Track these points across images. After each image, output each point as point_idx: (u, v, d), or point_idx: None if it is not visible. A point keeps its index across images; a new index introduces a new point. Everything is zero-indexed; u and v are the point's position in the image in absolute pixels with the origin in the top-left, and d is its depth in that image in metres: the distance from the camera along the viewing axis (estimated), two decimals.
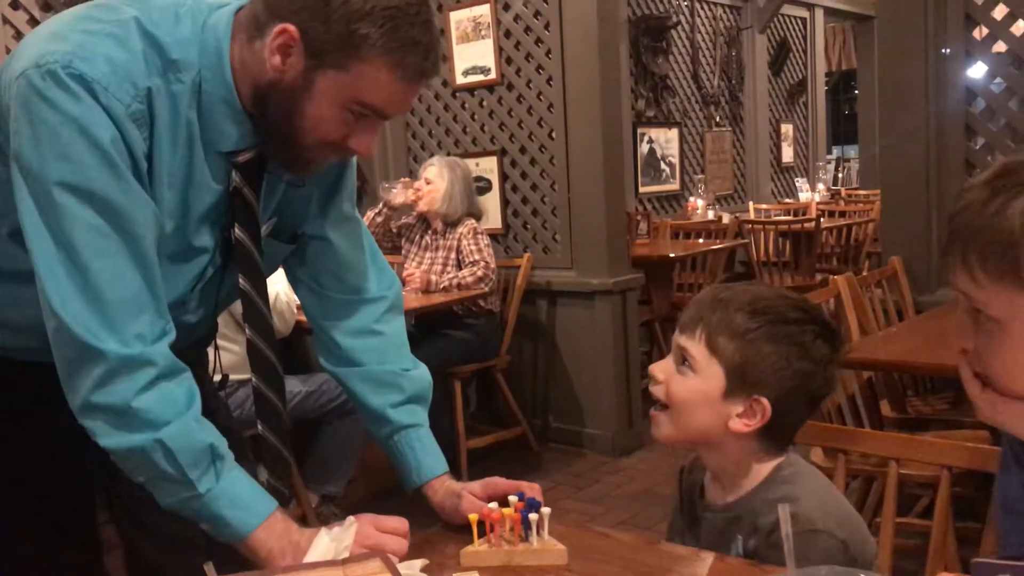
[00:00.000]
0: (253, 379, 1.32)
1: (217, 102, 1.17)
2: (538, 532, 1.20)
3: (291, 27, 1.09)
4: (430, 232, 4.01)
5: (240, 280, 1.28)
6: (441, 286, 3.82)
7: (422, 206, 3.93)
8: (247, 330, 1.31)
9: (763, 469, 1.24)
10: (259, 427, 1.33)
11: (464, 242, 3.89)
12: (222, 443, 1.16)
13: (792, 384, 1.20)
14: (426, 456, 1.38)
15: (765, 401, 1.20)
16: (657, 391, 1.26)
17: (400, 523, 1.22)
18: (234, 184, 1.23)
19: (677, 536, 1.35)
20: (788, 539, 0.78)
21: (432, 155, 4.56)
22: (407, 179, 4.11)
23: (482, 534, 1.20)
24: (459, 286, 3.81)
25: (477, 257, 3.84)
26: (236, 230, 1.25)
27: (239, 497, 1.16)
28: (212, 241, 1.27)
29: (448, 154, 4.56)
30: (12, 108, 1.09)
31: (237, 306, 1.34)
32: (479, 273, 3.81)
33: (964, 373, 0.94)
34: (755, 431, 1.21)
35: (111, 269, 1.09)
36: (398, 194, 3.98)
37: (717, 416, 1.22)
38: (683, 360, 1.24)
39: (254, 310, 1.30)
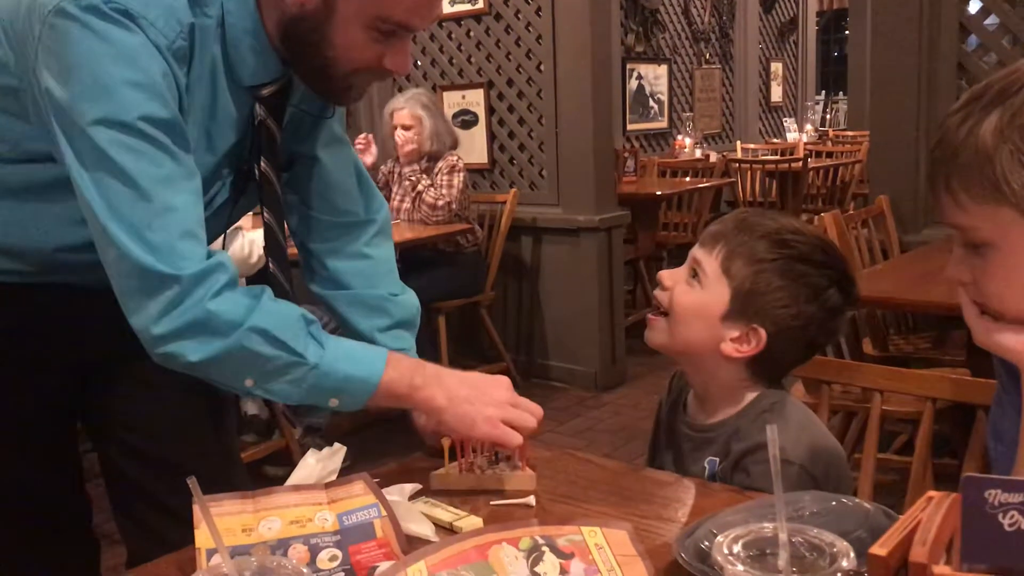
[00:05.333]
0: None
1: (241, 35, 1.15)
2: (508, 459, 1.20)
3: None
4: (410, 170, 3.94)
5: (264, 214, 1.27)
6: (407, 175, 3.81)
7: (409, 154, 3.84)
8: (269, 263, 1.31)
9: (745, 397, 1.25)
10: None
11: (440, 177, 3.84)
12: (306, 312, 1.14)
13: (794, 324, 1.19)
14: None
15: (762, 332, 1.19)
16: (661, 297, 1.26)
17: (534, 409, 1.20)
18: (259, 117, 1.22)
19: (659, 450, 1.36)
20: (776, 461, 0.78)
21: (417, 87, 4.49)
22: (365, 136, 3.99)
23: (455, 458, 1.20)
24: (418, 193, 3.79)
25: (444, 192, 3.80)
26: (262, 163, 1.24)
27: (353, 351, 1.16)
28: (227, 173, 1.26)
29: (434, 87, 4.49)
30: (42, 43, 1.04)
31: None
32: (440, 203, 3.78)
33: (963, 299, 0.95)
34: (745, 359, 1.21)
35: (172, 193, 1.07)
36: (364, 157, 3.86)
37: (712, 335, 1.21)
38: (694, 273, 1.23)
39: (275, 243, 1.30)
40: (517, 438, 1.15)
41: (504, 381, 1.21)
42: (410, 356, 1.38)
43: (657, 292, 1.28)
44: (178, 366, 1.10)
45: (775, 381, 1.26)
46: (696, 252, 1.24)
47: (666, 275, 1.26)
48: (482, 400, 1.16)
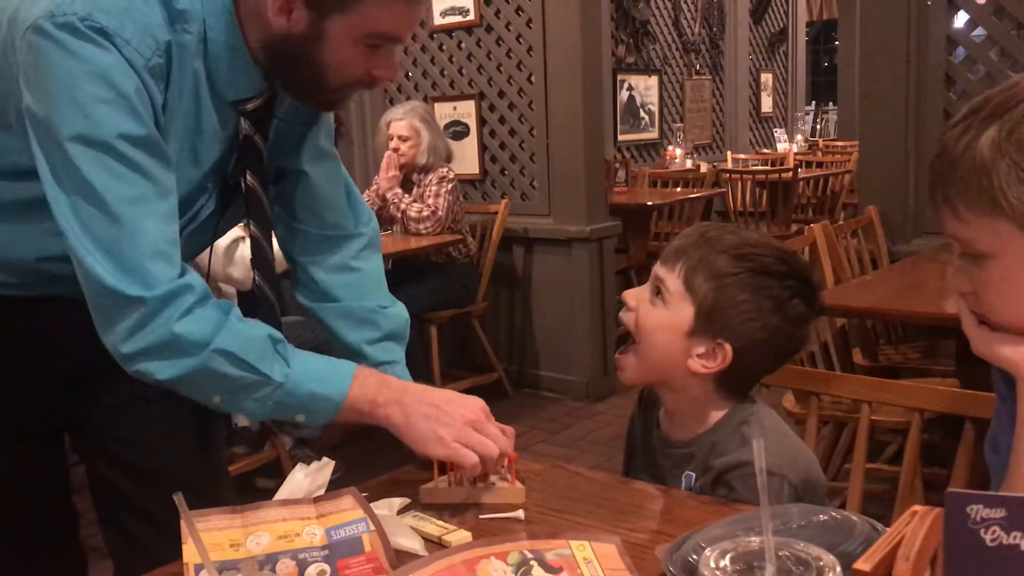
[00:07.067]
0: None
1: (223, 51, 1.16)
2: (497, 472, 1.20)
3: None
4: (392, 195, 3.89)
5: (251, 227, 1.28)
6: (391, 200, 3.79)
7: (391, 180, 3.81)
8: (256, 276, 1.32)
9: (717, 411, 1.25)
10: None
11: (430, 189, 3.84)
12: (274, 331, 1.15)
13: (759, 336, 1.19)
14: None
15: (727, 346, 1.19)
16: (627, 318, 1.26)
17: (500, 439, 1.17)
18: (244, 132, 1.22)
19: (634, 467, 1.36)
20: (762, 474, 0.78)
21: (408, 98, 4.50)
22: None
23: (444, 472, 1.20)
24: (403, 212, 3.79)
25: (431, 202, 3.80)
26: (248, 178, 1.25)
27: (319, 370, 1.16)
28: (213, 187, 1.26)
29: (425, 98, 4.50)
30: (21, 59, 1.06)
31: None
32: (424, 213, 3.77)
33: (961, 309, 0.96)
34: (713, 374, 1.21)
35: (143, 214, 1.07)
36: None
37: (678, 351, 1.21)
38: (657, 291, 1.23)
39: (262, 257, 1.31)
40: (471, 459, 1.13)
41: (475, 403, 1.20)
42: (385, 372, 1.39)
43: (622, 314, 1.27)
44: (151, 381, 1.11)
45: (745, 392, 1.26)
46: (658, 270, 1.24)
47: (630, 295, 1.27)
48: (441, 419, 1.16)
